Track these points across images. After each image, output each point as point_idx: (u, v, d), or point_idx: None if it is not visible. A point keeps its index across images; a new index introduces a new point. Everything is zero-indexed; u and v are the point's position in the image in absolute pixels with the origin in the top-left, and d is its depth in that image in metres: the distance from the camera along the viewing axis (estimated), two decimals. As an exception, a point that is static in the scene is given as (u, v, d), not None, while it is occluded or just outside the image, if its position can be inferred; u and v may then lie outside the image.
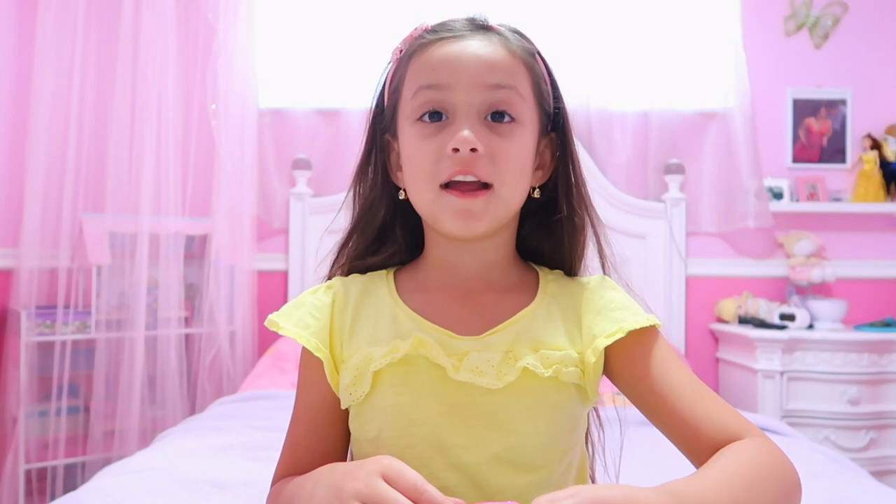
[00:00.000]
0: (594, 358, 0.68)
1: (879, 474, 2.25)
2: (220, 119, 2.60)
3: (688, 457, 0.66)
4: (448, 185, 0.67)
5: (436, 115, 0.68)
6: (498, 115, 0.68)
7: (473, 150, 0.65)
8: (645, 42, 2.75)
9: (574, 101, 2.69)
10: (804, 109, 2.81)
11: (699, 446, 0.64)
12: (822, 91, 2.81)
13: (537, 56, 0.74)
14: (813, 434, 2.29)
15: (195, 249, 2.61)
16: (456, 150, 0.65)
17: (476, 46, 0.69)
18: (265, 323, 0.74)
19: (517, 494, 0.65)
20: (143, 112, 2.47)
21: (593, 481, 0.80)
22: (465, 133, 0.65)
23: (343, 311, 0.73)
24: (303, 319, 0.72)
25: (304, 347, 0.73)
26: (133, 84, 2.48)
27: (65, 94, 2.42)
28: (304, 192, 2.69)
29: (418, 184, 0.70)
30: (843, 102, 2.80)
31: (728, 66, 2.73)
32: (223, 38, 2.61)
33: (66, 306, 2.34)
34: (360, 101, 2.69)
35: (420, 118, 0.69)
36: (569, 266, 0.77)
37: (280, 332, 0.72)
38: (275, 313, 0.74)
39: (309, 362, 0.74)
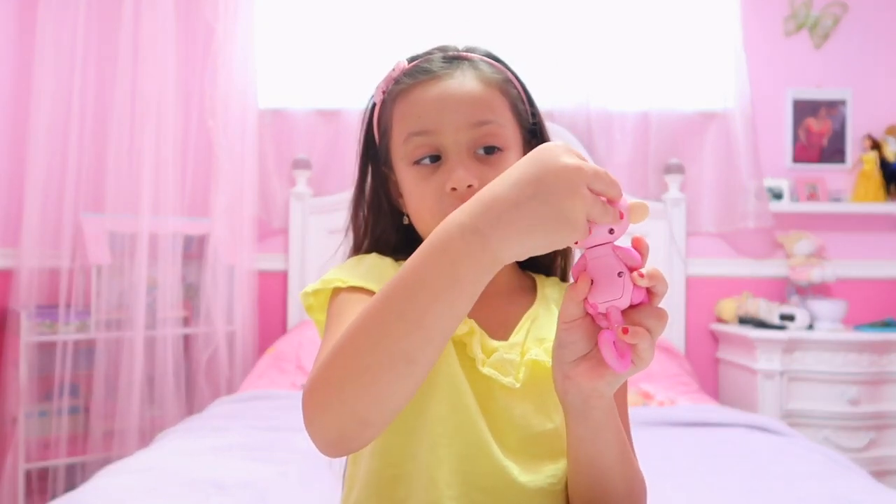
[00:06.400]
0: None
1: (879, 474, 2.26)
2: (219, 119, 2.60)
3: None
4: None
5: (432, 157, 0.73)
6: (487, 148, 0.72)
7: (469, 186, 0.69)
8: (645, 42, 2.75)
9: (574, 101, 2.69)
10: (804, 109, 2.81)
11: None
12: (821, 91, 2.81)
13: (511, 78, 0.77)
14: (813, 434, 2.29)
15: (194, 249, 2.61)
16: (454, 188, 0.70)
17: (455, 87, 0.73)
18: (319, 284, 0.71)
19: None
20: (143, 112, 2.47)
21: None
22: (461, 173, 0.70)
23: None
24: (371, 272, 0.72)
25: (346, 290, 0.70)
26: (133, 84, 2.49)
27: (65, 94, 2.42)
28: (304, 192, 2.69)
29: (425, 220, 0.74)
30: (843, 103, 2.80)
31: (728, 67, 2.73)
32: (223, 38, 2.61)
33: (67, 306, 2.34)
34: (360, 102, 2.67)
35: (417, 162, 0.73)
36: (561, 270, 0.83)
37: (346, 285, 0.69)
38: (328, 273, 0.72)
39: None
